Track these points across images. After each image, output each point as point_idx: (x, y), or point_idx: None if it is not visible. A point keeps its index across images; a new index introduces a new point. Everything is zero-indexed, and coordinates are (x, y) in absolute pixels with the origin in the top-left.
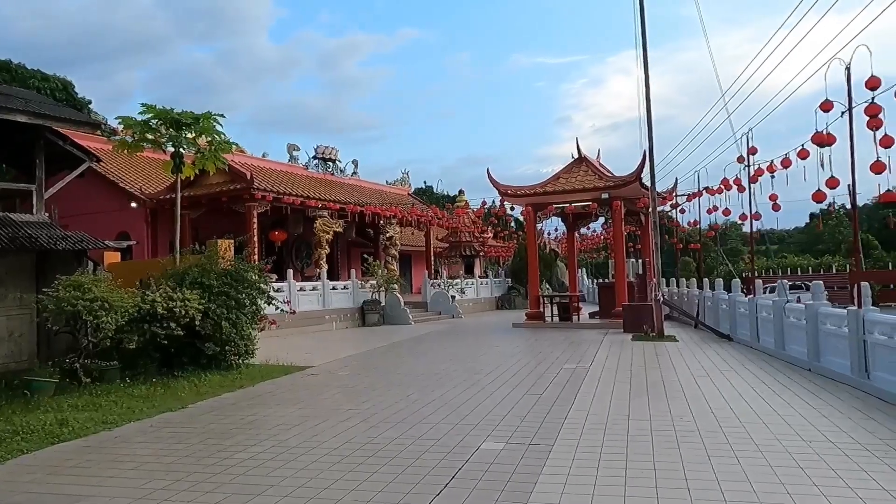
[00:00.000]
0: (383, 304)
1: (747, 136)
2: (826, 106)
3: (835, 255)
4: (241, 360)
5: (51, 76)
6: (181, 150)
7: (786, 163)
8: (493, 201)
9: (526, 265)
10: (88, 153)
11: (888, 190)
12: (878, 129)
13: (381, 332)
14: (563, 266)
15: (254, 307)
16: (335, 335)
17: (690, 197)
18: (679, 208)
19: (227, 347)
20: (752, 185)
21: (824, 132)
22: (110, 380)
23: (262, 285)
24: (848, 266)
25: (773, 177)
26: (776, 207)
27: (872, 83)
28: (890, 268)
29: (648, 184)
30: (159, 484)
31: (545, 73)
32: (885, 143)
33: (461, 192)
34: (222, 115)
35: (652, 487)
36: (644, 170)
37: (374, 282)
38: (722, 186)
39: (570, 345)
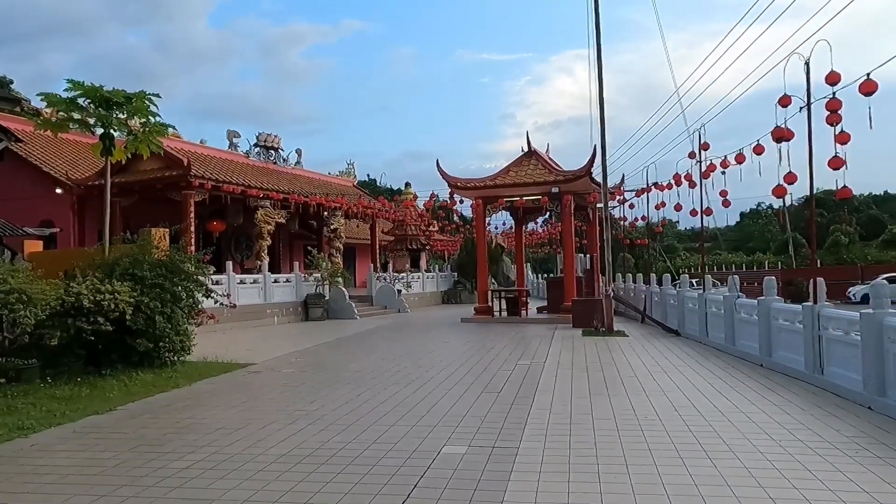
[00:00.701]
0: (327, 297)
1: (699, 133)
2: (785, 101)
3: (765, 252)
4: (176, 358)
5: None
6: (111, 131)
7: (739, 158)
8: (438, 196)
9: (472, 259)
10: (6, 131)
11: (843, 186)
12: (836, 124)
13: (326, 327)
14: (509, 261)
15: (191, 300)
16: (277, 330)
17: (639, 192)
18: (628, 203)
19: (160, 344)
20: (703, 181)
21: (784, 126)
22: (29, 379)
23: (199, 277)
24: (780, 263)
25: (723, 173)
26: (726, 203)
27: (833, 78)
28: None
29: (599, 179)
30: (82, 501)
31: (489, 69)
32: (842, 139)
33: (408, 184)
34: (157, 96)
35: (629, 494)
36: (594, 165)
37: (318, 275)
38: (672, 182)
39: (522, 340)
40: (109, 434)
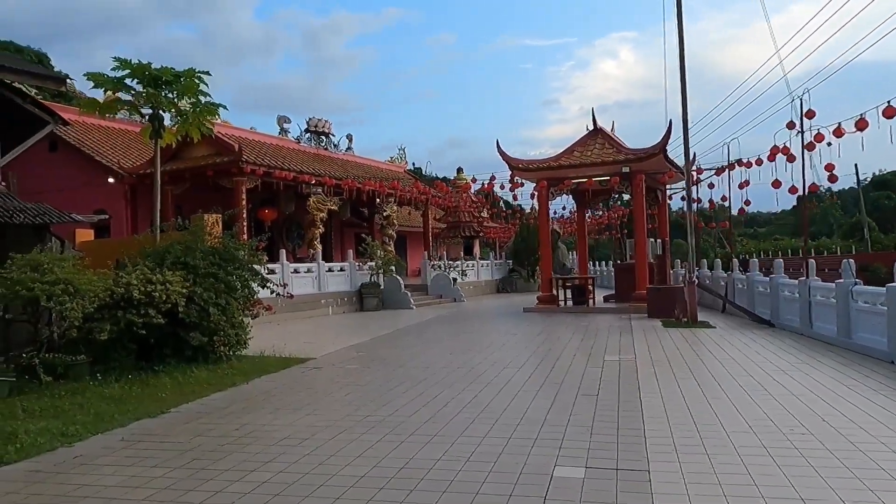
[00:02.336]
0: (382, 287)
1: (801, 100)
2: None
3: (829, 236)
4: (231, 352)
5: (25, 48)
6: (160, 112)
7: (861, 124)
8: (482, 183)
9: (528, 246)
10: (52, 113)
11: None
12: None
13: (382, 318)
14: (565, 248)
15: (246, 291)
16: (332, 321)
17: (719, 171)
18: (707, 183)
19: (215, 337)
20: (805, 154)
21: None
22: (78, 377)
23: (255, 266)
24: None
25: (829, 144)
26: (833, 178)
27: None
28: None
29: (675, 158)
30: None
31: (532, 55)
32: None
33: (460, 170)
34: (207, 73)
35: None
36: (668, 142)
37: (373, 263)
38: (769, 155)
39: (597, 332)
40: (161, 443)
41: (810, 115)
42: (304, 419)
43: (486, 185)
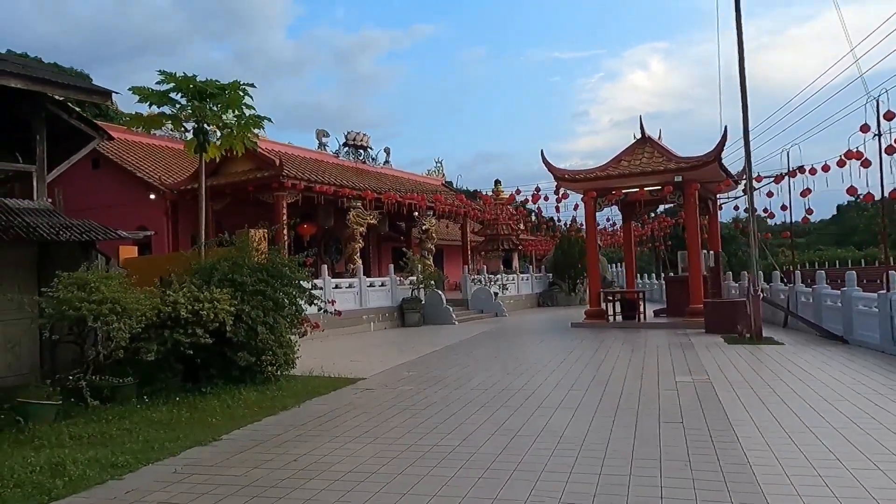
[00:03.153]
0: (423, 302)
1: (877, 101)
2: None
3: (877, 246)
4: (279, 372)
5: (68, 69)
6: (205, 125)
7: None
8: (527, 196)
9: (569, 259)
10: (97, 128)
11: None
12: None
13: (426, 334)
14: (605, 260)
15: (294, 308)
16: (376, 337)
17: (778, 178)
18: (766, 192)
19: (263, 357)
20: (883, 158)
21: None
22: (125, 399)
23: (302, 282)
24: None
25: None
26: None
27: None
28: None
29: (735, 167)
30: None
31: (560, 67)
32: None
33: (497, 182)
34: (252, 86)
35: None
36: (723, 149)
37: (414, 278)
38: (843, 159)
39: (656, 349)
40: (215, 476)
41: (889, 116)
42: (366, 449)
43: (532, 198)
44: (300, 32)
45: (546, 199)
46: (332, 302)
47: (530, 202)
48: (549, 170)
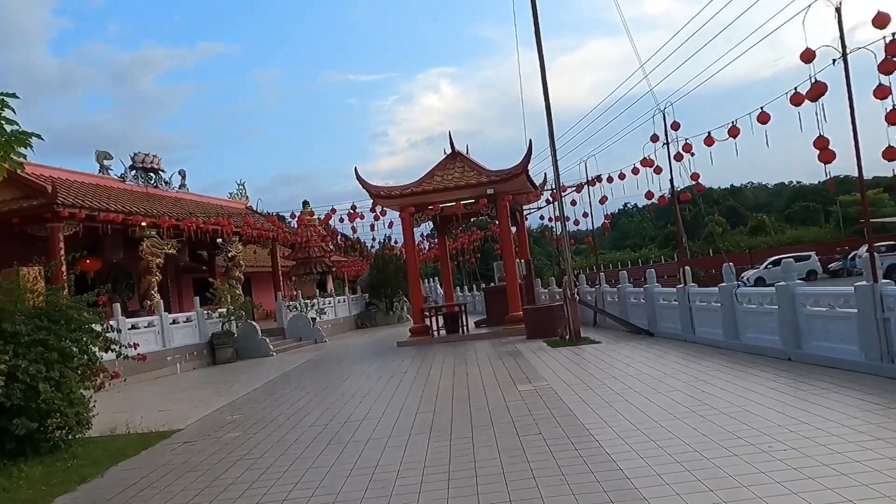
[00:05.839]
0: (236, 335)
1: (663, 113)
2: (807, 55)
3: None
4: (70, 436)
5: None
6: None
7: (733, 132)
8: (341, 216)
9: (384, 278)
10: None
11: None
12: (884, 98)
13: (243, 370)
14: None
15: (85, 357)
16: (185, 380)
17: (579, 187)
18: (570, 201)
19: (49, 420)
20: (672, 164)
21: (812, 81)
22: None
23: (94, 326)
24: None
25: (693, 154)
26: (699, 188)
27: (880, 20)
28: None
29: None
30: None
31: (356, 90)
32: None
33: (306, 203)
34: (13, 96)
35: None
36: (529, 162)
37: (223, 310)
38: (637, 167)
39: (489, 360)
40: None
41: (676, 126)
42: None
43: (349, 216)
44: (66, 48)
45: (362, 217)
46: (136, 345)
47: (346, 221)
48: (364, 188)
